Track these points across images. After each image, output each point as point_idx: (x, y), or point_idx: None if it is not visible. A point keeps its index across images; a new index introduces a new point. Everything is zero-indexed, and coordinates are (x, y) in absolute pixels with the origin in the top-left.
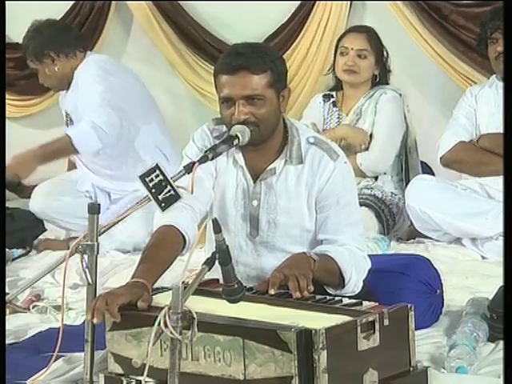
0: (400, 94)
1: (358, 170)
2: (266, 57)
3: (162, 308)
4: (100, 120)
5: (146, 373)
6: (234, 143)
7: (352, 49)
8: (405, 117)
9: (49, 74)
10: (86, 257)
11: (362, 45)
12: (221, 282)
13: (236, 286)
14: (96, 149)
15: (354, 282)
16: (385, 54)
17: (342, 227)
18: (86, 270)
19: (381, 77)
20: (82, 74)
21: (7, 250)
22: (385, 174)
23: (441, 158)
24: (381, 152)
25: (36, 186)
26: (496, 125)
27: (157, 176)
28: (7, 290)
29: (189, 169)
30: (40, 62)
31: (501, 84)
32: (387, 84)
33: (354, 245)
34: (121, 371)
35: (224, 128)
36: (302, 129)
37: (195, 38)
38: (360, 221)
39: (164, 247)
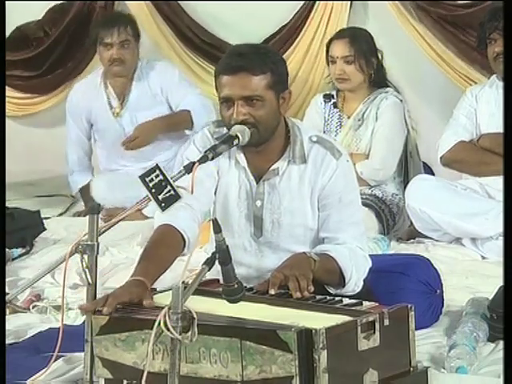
0: (401, 100)
1: (358, 178)
2: (267, 58)
3: (159, 308)
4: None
5: (145, 373)
6: (234, 143)
7: (337, 57)
8: (406, 122)
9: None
10: (85, 257)
11: (345, 51)
12: (221, 281)
13: (236, 285)
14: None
15: (355, 281)
16: (378, 52)
17: (343, 225)
18: (86, 270)
19: (376, 75)
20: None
21: (7, 249)
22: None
23: (441, 158)
24: (382, 160)
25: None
26: (496, 125)
27: (157, 176)
28: (7, 290)
29: (189, 169)
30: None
31: (501, 84)
32: (386, 82)
33: (355, 244)
34: (109, 376)
35: (225, 130)
36: (304, 128)
37: (194, 38)
38: (362, 220)
39: (162, 246)
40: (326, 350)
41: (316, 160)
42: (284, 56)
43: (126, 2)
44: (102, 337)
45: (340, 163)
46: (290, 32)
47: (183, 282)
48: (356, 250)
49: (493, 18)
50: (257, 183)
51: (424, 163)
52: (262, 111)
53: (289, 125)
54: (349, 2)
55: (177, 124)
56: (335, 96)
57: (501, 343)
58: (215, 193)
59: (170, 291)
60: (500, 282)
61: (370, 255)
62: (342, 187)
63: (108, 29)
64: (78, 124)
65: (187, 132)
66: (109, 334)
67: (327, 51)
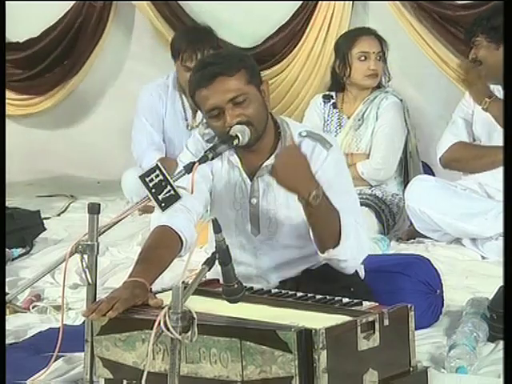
0: (401, 100)
1: (359, 178)
2: (233, 58)
3: (159, 308)
4: None
5: (145, 373)
6: (234, 143)
7: (373, 52)
8: (406, 122)
9: None
10: (85, 257)
11: (378, 47)
12: (221, 281)
13: (236, 285)
14: None
15: (350, 247)
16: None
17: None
18: (86, 270)
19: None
20: None
21: (7, 249)
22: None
23: (440, 160)
24: (382, 160)
25: None
26: (494, 122)
27: (157, 176)
28: (7, 290)
29: (189, 169)
30: None
31: (498, 87)
32: (385, 84)
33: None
34: (110, 376)
35: None
36: (293, 124)
37: None
38: (359, 211)
39: (160, 247)
40: (325, 350)
41: (306, 152)
42: (287, 57)
43: (127, 1)
44: (102, 337)
45: (330, 153)
46: (292, 33)
47: (183, 282)
48: (360, 231)
49: (476, 22)
50: (251, 181)
51: (424, 163)
52: (251, 108)
53: (278, 121)
54: (351, 3)
55: None
56: (334, 96)
57: (501, 343)
58: (210, 194)
59: (170, 291)
60: (500, 282)
61: (370, 255)
62: (332, 175)
63: (190, 52)
64: (153, 120)
65: None
66: (109, 333)
67: (350, 48)
